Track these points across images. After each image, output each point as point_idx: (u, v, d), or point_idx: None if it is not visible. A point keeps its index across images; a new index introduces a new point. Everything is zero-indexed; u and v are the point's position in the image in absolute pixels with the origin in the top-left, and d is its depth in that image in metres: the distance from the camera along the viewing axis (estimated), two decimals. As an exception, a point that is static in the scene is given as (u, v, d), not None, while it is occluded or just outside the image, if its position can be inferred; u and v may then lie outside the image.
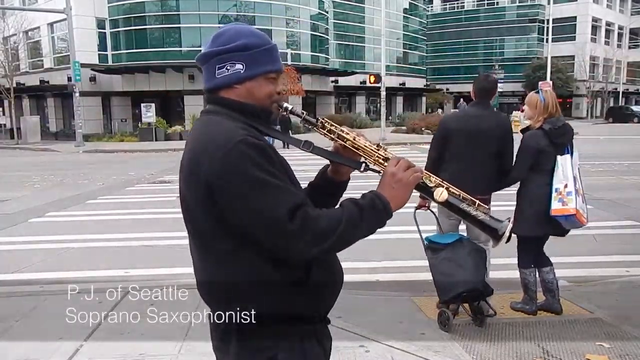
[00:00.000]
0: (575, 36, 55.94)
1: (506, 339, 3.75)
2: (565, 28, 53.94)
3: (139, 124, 30.32)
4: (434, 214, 4.10)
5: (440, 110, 45.08)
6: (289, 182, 1.45)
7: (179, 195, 1.59)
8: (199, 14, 32.06)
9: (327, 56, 40.36)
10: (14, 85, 32.76)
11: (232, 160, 1.36)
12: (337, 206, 1.47)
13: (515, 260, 4.29)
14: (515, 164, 4.03)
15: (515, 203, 4.14)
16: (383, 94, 28.14)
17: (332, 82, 40.52)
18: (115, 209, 9.45)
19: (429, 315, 4.19)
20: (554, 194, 3.83)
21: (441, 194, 1.52)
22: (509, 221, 1.58)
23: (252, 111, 1.51)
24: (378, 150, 1.57)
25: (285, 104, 1.59)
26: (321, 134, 1.60)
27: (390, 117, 42.22)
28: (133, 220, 8.46)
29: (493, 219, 1.57)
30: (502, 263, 4.74)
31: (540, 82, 33.66)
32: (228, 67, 1.49)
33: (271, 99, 1.55)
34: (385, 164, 1.55)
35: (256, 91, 1.52)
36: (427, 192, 1.54)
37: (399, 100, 49.20)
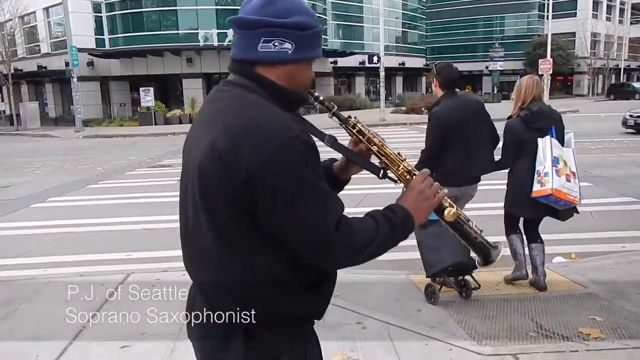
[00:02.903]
0: (576, 12, 55.38)
1: (500, 314, 3.82)
2: (566, 4, 53.37)
3: (138, 109, 30.28)
4: None
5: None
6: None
7: (182, 177, 1.45)
8: (195, -5, 31.77)
9: (325, 37, 40.06)
10: (12, 71, 32.64)
11: (286, 156, 1.24)
12: (368, 217, 1.39)
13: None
14: (502, 152, 4.22)
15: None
16: (382, 74, 28.04)
17: (331, 63, 40.24)
18: (116, 193, 9.51)
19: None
20: (535, 177, 3.94)
21: (452, 213, 1.53)
22: (502, 247, 1.65)
23: (289, 98, 1.39)
24: (403, 160, 1.54)
25: (316, 94, 1.51)
26: (349, 133, 1.55)
27: (389, 98, 42.07)
28: (133, 204, 8.52)
29: (489, 244, 1.62)
30: (496, 240, 4.77)
31: (540, 60, 33.46)
32: (276, 44, 1.33)
33: (307, 86, 1.45)
34: (408, 176, 1.52)
35: (297, 76, 1.39)
36: (438, 210, 1.53)
37: (399, 80, 48.94)
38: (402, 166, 1.53)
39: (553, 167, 3.85)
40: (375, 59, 33.49)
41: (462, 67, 58.19)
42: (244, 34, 1.36)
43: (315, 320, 1.53)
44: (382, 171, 1.55)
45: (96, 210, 8.22)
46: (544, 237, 5.55)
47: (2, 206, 8.86)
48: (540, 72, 33.17)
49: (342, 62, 40.87)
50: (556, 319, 3.70)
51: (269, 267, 1.33)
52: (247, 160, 1.24)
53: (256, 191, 1.25)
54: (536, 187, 3.91)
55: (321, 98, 1.53)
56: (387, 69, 30.35)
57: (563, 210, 4.08)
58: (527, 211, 4.17)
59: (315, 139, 1.40)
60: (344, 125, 1.55)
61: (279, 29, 1.33)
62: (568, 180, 3.92)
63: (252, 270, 1.33)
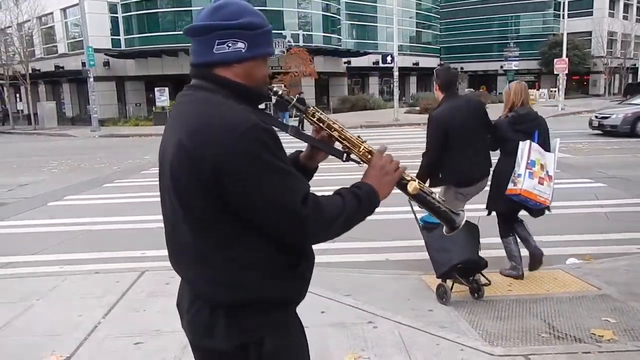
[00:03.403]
0: (592, 11, 54.78)
1: (512, 315, 3.81)
2: (582, 3, 52.75)
3: (153, 108, 30.52)
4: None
5: (454, 90, 44.52)
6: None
7: (160, 179, 1.56)
8: (210, -4, 31.93)
9: (339, 37, 40.05)
10: (30, 71, 33.10)
11: (247, 145, 1.31)
12: (335, 194, 1.48)
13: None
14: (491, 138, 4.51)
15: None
16: (396, 74, 27.95)
17: (345, 63, 40.26)
18: (131, 192, 9.60)
19: (437, 292, 4.27)
20: (512, 177, 4.23)
21: (414, 187, 1.62)
22: (465, 213, 1.72)
23: (248, 94, 1.48)
24: (363, 142, 1.63)
25: (275, 88, 1.59)
26: (310, 121, 1.63)
27: (403, 98, 41.96)
28: (148, 203, 8.56)
29: (452, 211, 1.70)
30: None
31: (555, 60, 33.14)
32: (230, 45, 1.42)
33: (264, 81, 1.54)
34: (369, 156, 1.60)
35: (254, 73, 1.48)
36: (401, 185, 1.62)
37: (413, 80, 48.81)
38: (362, 147, 1.61)
39: (527, 169, 4.15)
40: (389, 58, 33.35)
41: (476, 66, 58.24)
42: (199, 39, 1.46)
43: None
44: (345, 154, 1.63)
45: (112, 208, 8.33)
46: (557, 237, 5.54)
47: (20, 204, 9.02)
48: (555, 72, 32.86)
49: (356, 62, 40.87)
50: (569, 320, 3.68)
51: (249, 253, 1.41)
52: (211, 156, 1.32)
53: (225, 182, 1.33)
54: (510, 185, 4.22)
55: (280, 92, 1.61)
56: (400, 69, 30.24)
57: (533, 208, 4.37)
58: (501, 206, 4.44)
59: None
60: (304, 115, 1.63)
61: (230, 30, 1.42)
62: (541, 183, 4.19)
63: (232, 259, 1.41)
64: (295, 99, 1.63)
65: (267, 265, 1.43)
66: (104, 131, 26.27)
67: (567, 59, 32.82)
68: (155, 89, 29.81)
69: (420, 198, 1.65)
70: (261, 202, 1.34)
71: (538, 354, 3.21)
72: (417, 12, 51.20)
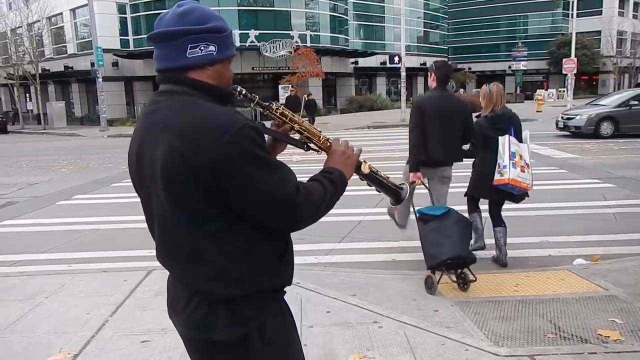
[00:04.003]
0: (601, 10, 54.36)
1: (518, 315, 3.80)
2: (591, 2, 52.39)
3: (161, 108, 30.60)
4: (426, 187, 4.82)
5: (462, 90, 44.22)
6: None
7: (141, 190, 1.63)
8: (218, -4, 32.02)
9: (346, 37, 40.01)
10: (39, 71, 33.35)
11: (240, 144, 1.37)
12: (313, 181, 1.58)
13: (529, 240, 4.57)
14: (475, 143, 4.88)
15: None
16: (403, 74, 27.88)
17: (352, 63, 40.23)
18: (139, 192, 9.65)
19: (443, 293, 4.27)
20: (496, 168, 4.75)
21: (365, 168, 1.79)
22: (407, 187, 1.93)
23: (221, 94, 1.54)
24: (320, 132, 1.75)
25: (239, 88, 1.66)
26: (274, 116, 1.71)
27: (411, 98, 41.82)
28: (156, 203, 8.63)
29: (397, 186, 1.89)
30: (517, 242, 4.78)
31: (564, 60, 32.93)
32: (202, 48, 1.47)
33: (231, 82, 1.61)
34: (328, 144, 1.73)
35: (224, 74, 1.54)
36: (356, 167, 1.76)
37: (420, 80, 48.65)
38: (321, 137, 1.74)
39: (510, 160, 4.66)
40: (396, 59, 33.35)
41: (484, 66, 58.06)
42: (170, 44, 1.48)
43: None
44: (305, 145, 1.75)
45: (120, 208, 8.37)
46: (565, 238, 5.51)
47: (29, 203, 9.10)
48: (564, 72, 32.65)
49: (363, 62, 40.82)
50: (575, 321, 3.67)
51: (243, 246, 1.47)
52: (206, 156, 1.36)
53: (222, 180, 1.38)
54: (496, 176, 4.74)
55: (244, 91, 1.67)
56: (408, 69, 30.15)
57: (518, 194, 4.87)
58: (488, 194, 5.00)
59: None
60: (267, 111, 1.71)
61: (202, 34, 1.47)
62: (522, 171, 4.70)
63: (228, 253, 1.46)
64: (257, 98, 1.70)
65: (261, 255, 1.50)
66: (113, 131, 26.42)
67: (575, 59, 32.58)
68: (164, 89, 29.93)
69: (370, 177, 1.82)
70: (260, 195, 1.40)
71: (544, 355, 3.21)
72: (424, 12, 51.06)
